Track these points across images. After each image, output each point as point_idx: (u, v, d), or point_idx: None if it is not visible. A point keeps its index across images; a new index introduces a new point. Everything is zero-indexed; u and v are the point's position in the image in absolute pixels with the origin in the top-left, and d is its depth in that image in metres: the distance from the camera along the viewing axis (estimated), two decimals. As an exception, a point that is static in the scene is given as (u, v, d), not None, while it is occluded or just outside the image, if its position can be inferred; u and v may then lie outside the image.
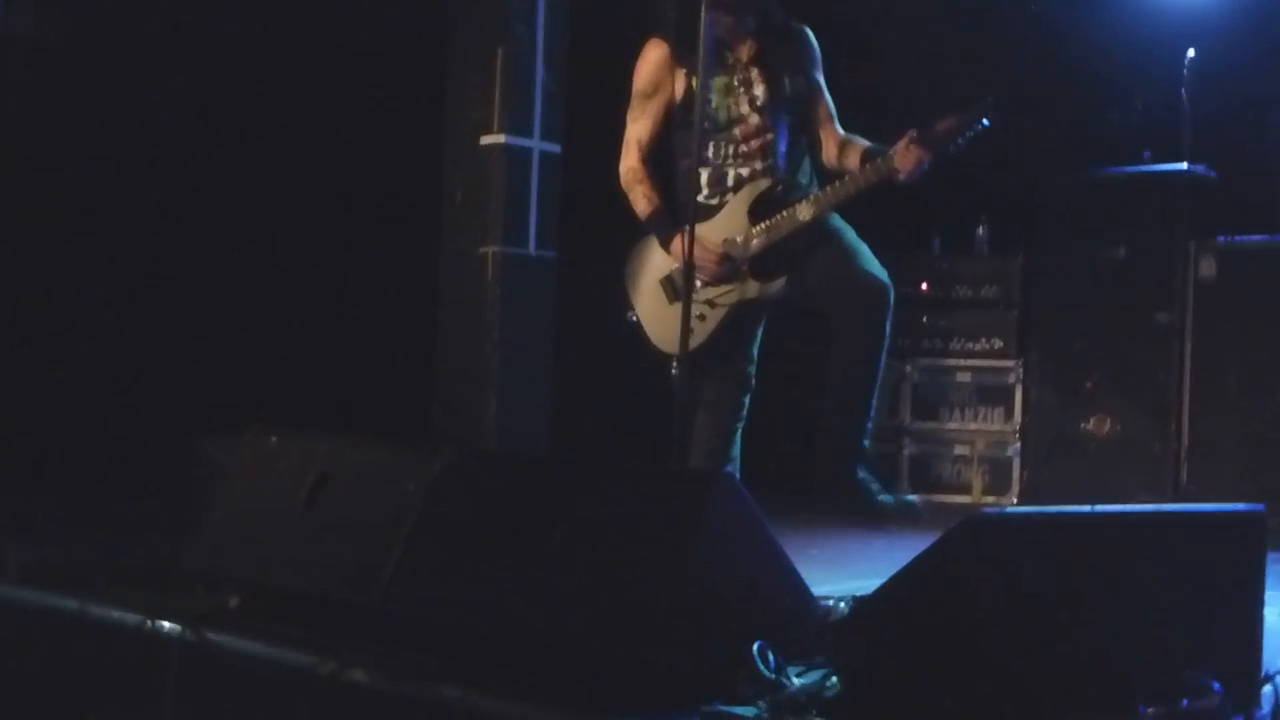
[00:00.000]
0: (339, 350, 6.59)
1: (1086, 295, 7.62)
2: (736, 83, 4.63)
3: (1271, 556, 3.40)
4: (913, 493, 8.39)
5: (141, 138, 6.27)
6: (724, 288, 4.65)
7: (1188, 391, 7.40)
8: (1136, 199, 7.50)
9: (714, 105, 4.56)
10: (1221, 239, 7.32)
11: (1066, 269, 7.76)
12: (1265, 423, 7.32)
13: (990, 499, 8.14)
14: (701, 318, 4.67)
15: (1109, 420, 7.52)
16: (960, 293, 8.40)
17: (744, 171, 4.65)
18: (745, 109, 4.63)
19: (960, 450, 8.33)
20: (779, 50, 4.66)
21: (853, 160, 4.64)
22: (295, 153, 6.65)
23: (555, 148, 6.60)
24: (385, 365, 6.69)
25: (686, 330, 4.23)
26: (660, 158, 4.80)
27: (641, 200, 4.77)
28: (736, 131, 4.64)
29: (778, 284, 4.66)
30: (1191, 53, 7.35)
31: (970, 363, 8.32)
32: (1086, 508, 3.33)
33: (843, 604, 3.59)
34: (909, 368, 8.45)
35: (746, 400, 4.89)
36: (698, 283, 4.53)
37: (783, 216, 4.60)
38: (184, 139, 6.38)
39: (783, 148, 4.65)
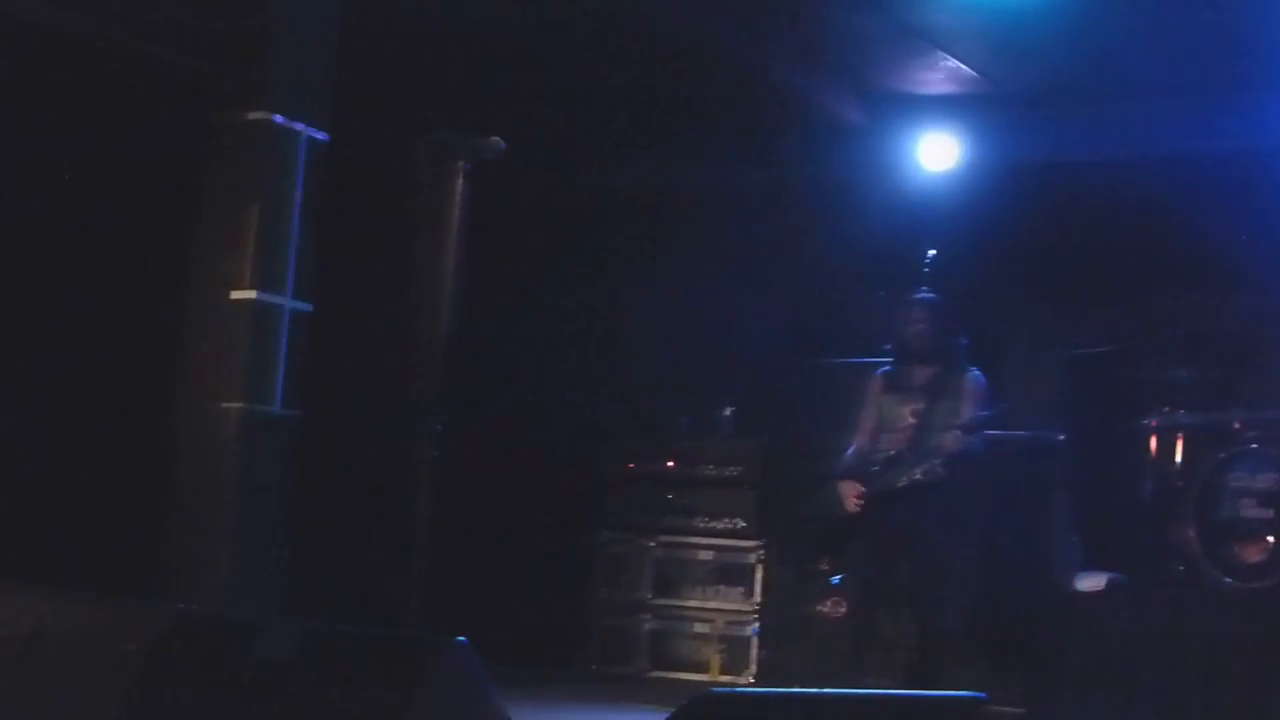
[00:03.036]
0: (66, 499, 6.35)
1: (824, 479, 7.78)
2: (907, 398, 6.95)
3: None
4: (651, 669, 8.41)
5: None
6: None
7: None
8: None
9: (888, 413, 6.99)
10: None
11: (807, 452, 7.93)
12: (989, 612, 7.54)
13: (727, 678, 8.18)
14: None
15: (845, 602, 7.64)
16: (704, 472, 8.52)
17: (892, 453, 6.89)
18: (907, 417, 6.92)
19: (700, 628, 8.37)
20: (945, 385, 6.94)
21: None
22: (30, 293, 6.47)
23: (307, 306, 6.52)
24: (115, 517, 6.48)
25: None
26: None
27: (846, 460, 7.08)
28: (898, 428, 6.93)
29: (892, 517, 6.83)
30: (933, 252, 7.67)
31: (712, 541, 8.41)
32: (814, 690, 3.38)
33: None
34: (651, 544, 8.50)
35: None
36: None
37: (890, 481, 6.85)
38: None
39: (927, 446, 6.83)
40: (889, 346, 7.21)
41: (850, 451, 7.09)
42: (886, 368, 7.16)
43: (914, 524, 6.84)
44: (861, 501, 6.91)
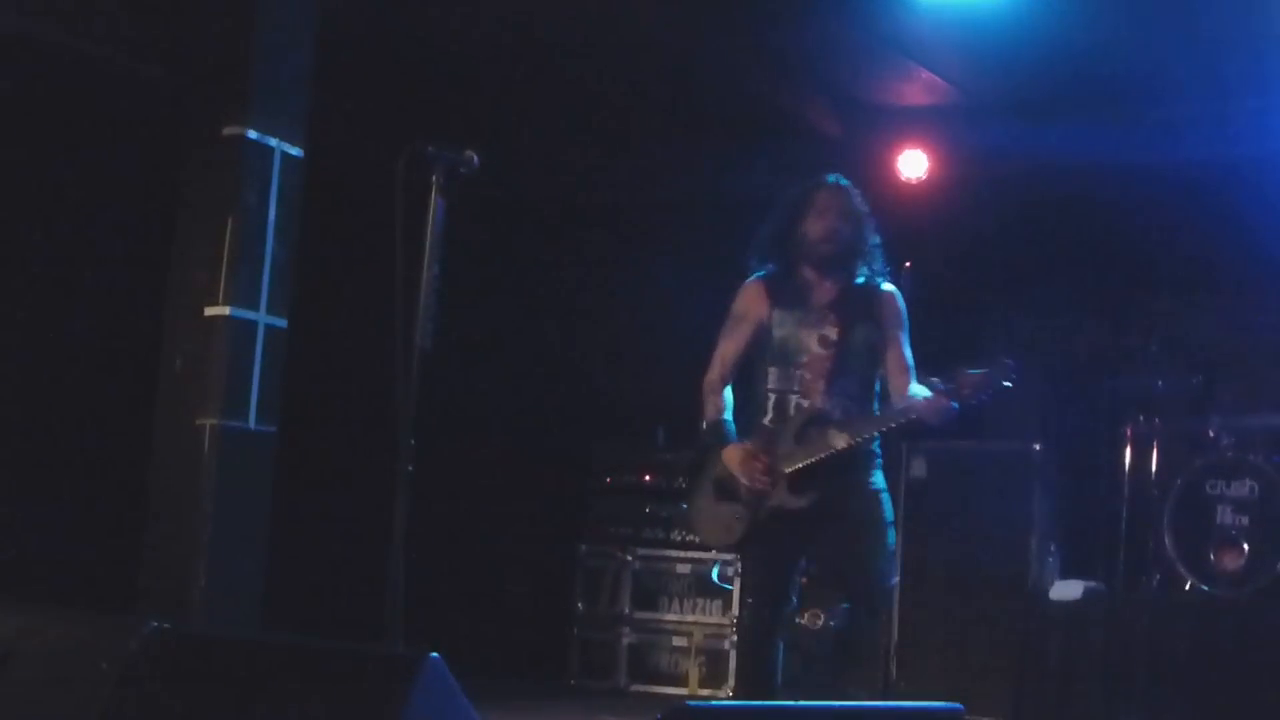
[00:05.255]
0: (40, 514, 6.34)
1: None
2: (811, 322, 5.14)
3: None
4: (630, 683, 8.39)
5: None
6: (762, 496, 5.06)
7: (898, 589, 7.58)
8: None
9: (786, 338, 5.15)
10: (932, 441, 7.58)
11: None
12: (967, 622, 7.54)
13: (706, 691, 8.16)
14: (739, 519, 5.10)
15: (822, 614, 7.64)
16: (682, 485, 8.48)
17: (804, 402, 5.09)
18: (815, 346, 5.12)
19: (678, 641, 8.35)
20: (859, 302, 5.18)
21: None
22: (3, 306, 6.46)
23: (281, 322, 6.51)
24: (90, 533, 6.46)
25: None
26: (742, 376, 5.28)
27: (710, 409, 5.23)
28: (803, 363, 5.12)
29: (805, 498, 5.01)
30: (908, 264, 7.68)
31: (690, 554, 8.39)
32: (791, 703, 3.37)
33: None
34: (629, 557, 8.49)
35: (779, 619, 5.16)
36: (745, 487, 5.06)
37: (819, 442, 5.01)
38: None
39: (846, 385, 5.11)
40: (767, 244, 5.34)
41: (714, 398, 5.22)
42: (766, 272, 5.31)
43: (833, 508, 5.02)
44: (768, 475, 5.01)
